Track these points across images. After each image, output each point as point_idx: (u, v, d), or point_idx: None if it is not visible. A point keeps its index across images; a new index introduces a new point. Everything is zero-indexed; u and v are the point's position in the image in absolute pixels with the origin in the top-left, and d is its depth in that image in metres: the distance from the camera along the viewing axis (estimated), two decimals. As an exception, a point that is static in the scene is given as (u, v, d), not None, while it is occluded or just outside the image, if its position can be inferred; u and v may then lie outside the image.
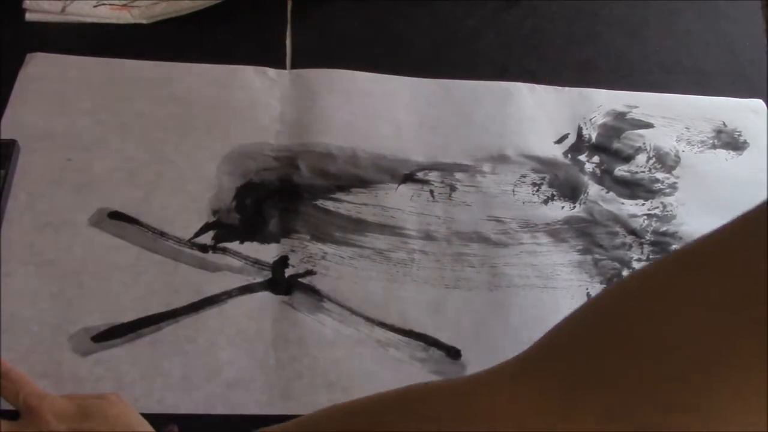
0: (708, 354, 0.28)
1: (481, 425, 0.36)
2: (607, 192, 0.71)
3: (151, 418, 0.50)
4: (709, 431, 0.29)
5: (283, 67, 0.75)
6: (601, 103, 0.78)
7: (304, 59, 0.76)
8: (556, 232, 0.67)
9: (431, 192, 0.68)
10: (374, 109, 0.73)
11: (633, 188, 0.72)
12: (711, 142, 0.77)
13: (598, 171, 0.73)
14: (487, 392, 0.38)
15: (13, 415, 0.48)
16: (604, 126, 0.76)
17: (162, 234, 0.61)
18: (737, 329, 0.27)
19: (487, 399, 0.37)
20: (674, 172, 0.74)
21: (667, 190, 0.72)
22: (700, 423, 0.29)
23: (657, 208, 0.71)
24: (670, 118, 0.78)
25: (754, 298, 0.26)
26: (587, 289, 0.64)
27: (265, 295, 0.59)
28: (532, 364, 0.37)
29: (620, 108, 0.78)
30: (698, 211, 0.71)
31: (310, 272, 0.61)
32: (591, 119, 0.76)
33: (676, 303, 0.30)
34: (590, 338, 0.34)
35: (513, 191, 0.69)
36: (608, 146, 0.75)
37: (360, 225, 0.64)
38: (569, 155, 0.73)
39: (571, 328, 0.36)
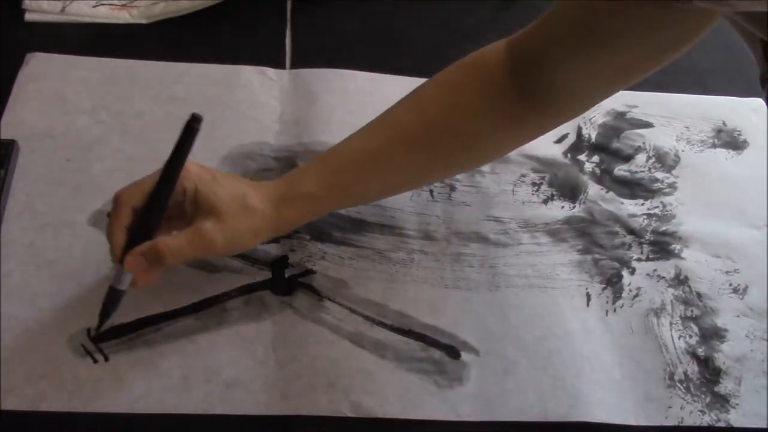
0: None
1: None
2: (607, 192, 0.71)
3: (151, 418, 0.50)
4: None
5: (283, 67, 0.75)
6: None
7: (304, 59, 0.76)
8: (555, 231, 0.67)
9: (431, 192, 0.68)
10: (374, 109, 0.73)
11: (632, 188, 0.72)
12: (711, 141, 0.77)
13: (597, 170, 0.72)
14: None
15: None
16: (603, 125, 0.76)
17: (161, 234, 0.61)
18: None
19: None
20: (674, 171, 0.74)
21: (667, 190, 0.72)
22: None
23: (657, 207, 0.71)
24: (670, 118, 0.78)
25: None
26: (587, 288, 0.64)
27: (265, 295, 0.59)
28: None
29: (620, 107, 0.78)
30: (698, 211, 0.71)
31: (309, 272, 0.61)
32: (591, 119, 0.76)
33: None
34: None
35: (512, 191, 0.69)
36: (608, 146, 0.75)
37: (359, 225, 0.64)
38: (569, 155, 0.73)
39: None
